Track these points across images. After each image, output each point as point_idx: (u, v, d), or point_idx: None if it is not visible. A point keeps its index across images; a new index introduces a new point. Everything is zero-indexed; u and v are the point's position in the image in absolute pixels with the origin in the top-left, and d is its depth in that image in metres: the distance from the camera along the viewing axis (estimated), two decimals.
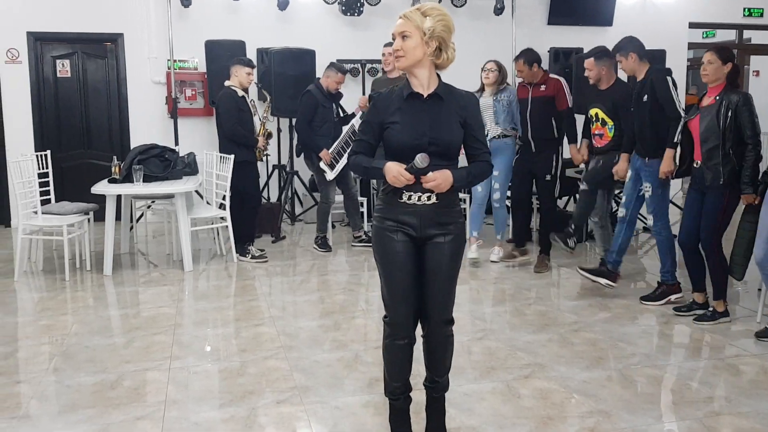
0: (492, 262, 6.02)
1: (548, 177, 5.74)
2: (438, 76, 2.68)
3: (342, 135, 6.45)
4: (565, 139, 5.80)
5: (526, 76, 5.72)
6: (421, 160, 2.48)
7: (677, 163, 4.65)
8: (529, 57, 5.68)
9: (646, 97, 4.70)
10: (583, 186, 5.48)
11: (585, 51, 8.36)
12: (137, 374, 3.61)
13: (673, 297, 4.84)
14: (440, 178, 2.54)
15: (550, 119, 5.69)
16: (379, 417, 3.04)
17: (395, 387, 2.83)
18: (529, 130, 5.74)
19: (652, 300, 4.86)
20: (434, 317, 2.73)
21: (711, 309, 4.48)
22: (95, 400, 3.29)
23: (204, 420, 3.08)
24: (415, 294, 2.72)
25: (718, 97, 4.23)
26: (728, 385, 3.44)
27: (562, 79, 5.79)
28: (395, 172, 2.53)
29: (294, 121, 7.51)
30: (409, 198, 2.62)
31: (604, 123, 5.31)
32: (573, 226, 5.57)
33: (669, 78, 4.68)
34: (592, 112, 5.38)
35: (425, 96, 2.63)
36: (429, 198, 2.61)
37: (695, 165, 4.40)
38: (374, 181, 7.73)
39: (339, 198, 6.78)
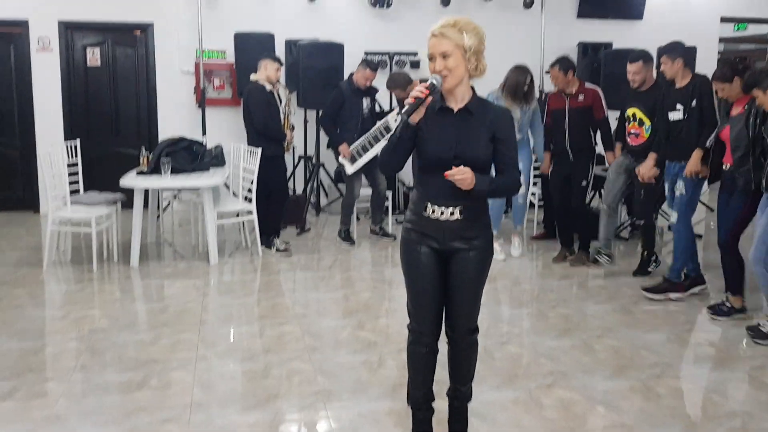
0: (511, 256, 6.04)
1: (584, 183, 5.81)
2: (472, 88, 2.67)
3: (371, 130, 6.43)
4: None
5: (561, 83, 5.72)
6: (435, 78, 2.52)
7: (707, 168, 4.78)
8: (564, 64, 5.69)
9: (695, 102, 4.80)
10: (604, 208, 5.72)
11: (614, 46, 8.31)
12: (164, 373, 3.67)
13: (673, 295, 4.99)
14: (462, 174, 2.49)
15: (588, 129, 5.77)
16: (401, 426, 3.07)
17: (418, 396, 2.86)
18: (567, 140, 5.77)
19: (653, 292, 5.03)
20: (459, 326, 2.76)
21: (728, 304, 4.60)
22: (122, 400, 3.36)
23: (229, 424, 3.13)
24: (438, 303, 2.74)
25: (746, 106, 4.30)
26: (751, 400, 3.42)
27: (598, 89, 5.88)
28: (416, 89, 2.53)
29: (319, 113, 7.58)
30: (433, 212, 2.63)
31: (641, 123, 5.40)
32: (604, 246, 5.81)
33: (713, 89, 4.76)
34: (630, 112, 5.48)
35: (455, 110, 2.62)
36: (452, 214, 2.61)
37: (725, 168, 4.52)
38: (400, 174, 7.76)
39: (364, 192, 6.80)
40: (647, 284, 5.16)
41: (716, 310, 4.63)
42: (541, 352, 3.99)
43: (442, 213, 2.62)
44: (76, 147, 6.55)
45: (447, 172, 2.50)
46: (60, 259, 6.02)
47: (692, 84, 4.85)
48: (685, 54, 4.92)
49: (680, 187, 4.91)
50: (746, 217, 4.41)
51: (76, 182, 6.45)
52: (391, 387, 3.49)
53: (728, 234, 4.51)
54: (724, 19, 9.50)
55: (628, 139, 5.55)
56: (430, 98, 2.53)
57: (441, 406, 2.93)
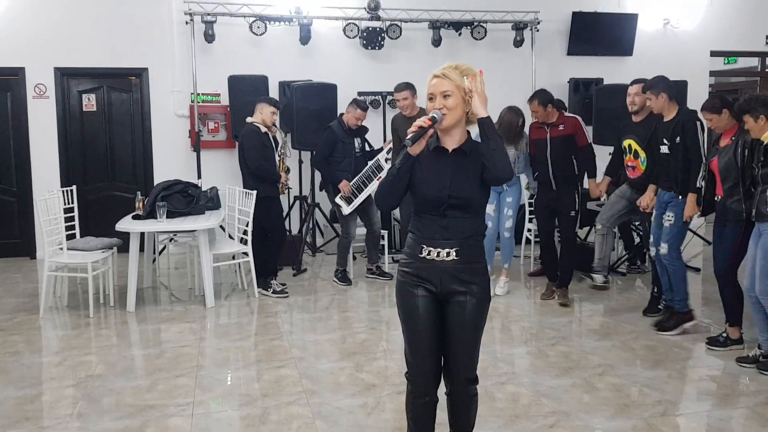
0: (496, 295, 6.00)
1: (573, 213, 5.81)
2: (468, 132, 2.69)
3: (364, 170, 6.48)
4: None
5: (541, 117, 5.79)
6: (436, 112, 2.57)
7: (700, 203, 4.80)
8: (542, 98, 5.76)
9: (678, 138, 4.85)
10: (599, 227, 5.70)
11: (605, 82, 8.42)
12: (161, 420, 3.62)
13: (687, 325, 4.99)
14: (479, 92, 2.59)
15: (571, 157, 5.78)
16: None
17: None
18: (549, 170, 5.78)
19: (667, 330, 4.99)
20: (458, 376, 2.73)
21: (725, 335, 4.63)
22: None
23: None
24: (437, 351, 2.71)
25: (734, 137, 4.39)
26: None
27: (578, 117, 5.94)
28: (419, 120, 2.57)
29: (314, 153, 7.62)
30: (429, 254, 2.62)
31: (636, 155, 5.44)
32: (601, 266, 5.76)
33: (698, 122, 4.84)
34: (626, 143, 5.53)
35: (450, 150, 2.64)
36: (448, 254, 2.61)
37: (716, 199, 4.56)
38: (396, 212, 7.76)
39: (360, 231, 6.80)
40: (658, 324, 5.08)
41: (713, 341, 4.67)
42: (542, 392, 3.95)
43: (438, 254, 2.61)
44: (72, 192, 6.56)
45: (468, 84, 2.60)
46: (57, 305, 5.98)
47: (676, 119, 4.90)
48: (668, 88, 4.96)
49: (669, 217, 4.94)
50: (741, 247, 4.41)
51: (73, 227, 6.44)
52: (389, 431, 3.45)
53: (725, 265, 4.52)
54: (713, 53, 9.63)
55: (627, 172, 5.59)
56: (432, 129, 2.57)
57: None
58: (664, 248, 5.00)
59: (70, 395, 4.00)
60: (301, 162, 7.95)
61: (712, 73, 9.94)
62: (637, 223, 6.07)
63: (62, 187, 7.00)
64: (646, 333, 5.02)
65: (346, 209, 6.44)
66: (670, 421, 3.58)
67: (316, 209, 7.86)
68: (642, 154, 5.38)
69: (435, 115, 2.58)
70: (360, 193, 6.43)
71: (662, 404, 3.80)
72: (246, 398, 3.93)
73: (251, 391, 4.03)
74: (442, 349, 2.71)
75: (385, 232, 7.02)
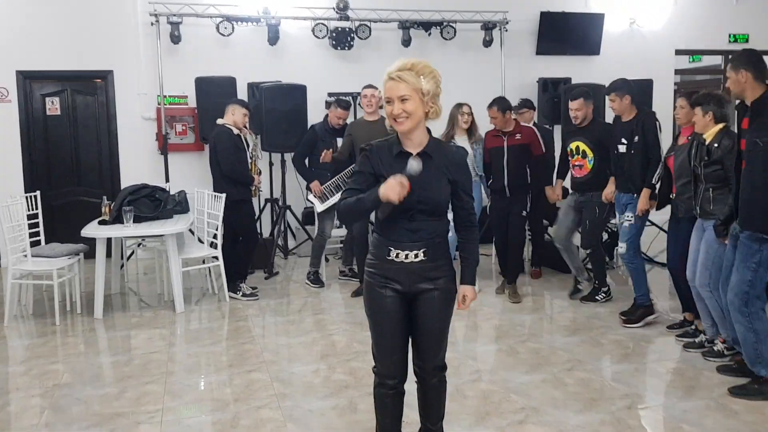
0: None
1: (524, 213, 5.96)
2: (428, 130, 2.69)
3: (345, 171, 6.43)
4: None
5: (499, 123, 5.88)
6: (416, 163, 2.49)
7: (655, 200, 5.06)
8: (502, 105, 5.88)
9: (636, 138, 5.01)
10: (559, 247, 5.89)
11: (573, 81, 8.50)
12: (129, 428, 3.57)
13: (650, 318, 5.16)
14: (472, 297, 2.75)
15: (525, 166, 5.90)
16: None
17: None
18: (505, 178, 5.89)
19: (633, 323, 5.12)
20: (427, 365, 2.76)
21: (693, 326, 4.80)
22: None
23: None
24: (404, 346, 2.74)
25: (690, 137, 4.48)
26: (721, 427, 3.43)
27: (534, 128, 6.16)
28: (391, 183, 2.44)
29: (284, 155, 7.60)
30: (397, 256, 2.63)
31: (584, 155, 5.59)
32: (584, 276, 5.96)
33: (657, 122, 5.03)
34: (573, 145, 5.67)
35: (414, 154, 2.63)
36: (417, 256, 2.61)
37: (672, 197, 4.75)
38: (373, 216, 7.73)
39: (335, 233, 6.79)
40: (625, 317, 5.20)
41: (682, 334, 4.80)
42: (512, 389, 3.98)
43: (406, 256, 2.62)
44: (36, 198, 6.45)
45: (459, 304, 2.75)
46: (22, 313, 5.87)
47: (636, 119, 5.07)
48: (631, 90, 5.14)
49: (629, 217, 5.11)
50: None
51: (38, 234, 6.33)
52: (362, 431, 3.44)
53: (679, 259, 4.64)
54: (678, 52, 9.78)
55: (573, 172, 5.72)
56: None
57: None
58: (622, 248, 5.18)
59: (36, 405, 3.93)
60: (271, 164, 7.91)
61: (678, 72, 10.09)
62: (613, 221, 6.17)
63: (26, 192, 6.88)
64: (614, 328, 5.08)
65: (320, 207, 6.42)
66: (636, 414, 3.63)
67: (288, 212, 7.82)
68: (590, 154, 5.53)
69: (413, 170, 2.49)
70: (338, 193, 6.38)
71: (629, 397, 3.85)
72: (217, 403, 3.89)
73: (222, 396, 4.00)
74: (411, 341, 2.73)
75: None
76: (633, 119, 5.09)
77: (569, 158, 5.73)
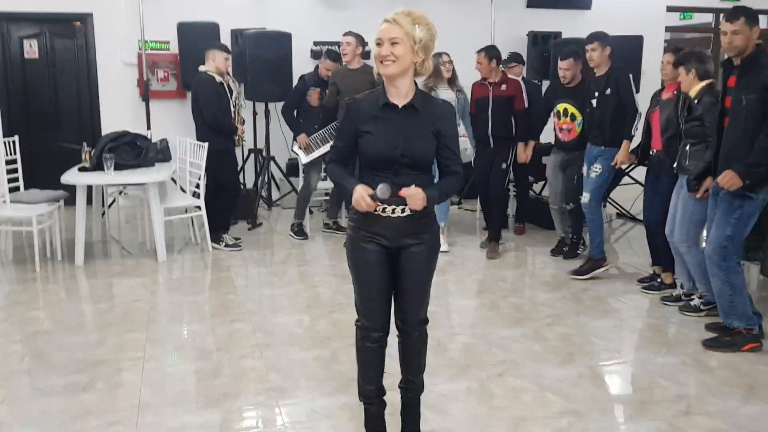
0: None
1: (504, 165, 5.94)
2: (415, 83, 2.65)
3: (333, 124, 6.36)
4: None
5: (484, 70, 5.83)
6: (381, 191, 2.45)
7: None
8: (490, 52, 5.84)
9: (608, 90, 5.07)
10: (555, 208, 5.92)
11: (563, 35, 8.40)
12: (111, 376, 3.57)
13: (599, 270, 5.27)
14: (415, 195, 2.50)
15: (510, 117, 5.87)
16: (355, 421, 3.06)
17: (369, 390, 2.85)
18: (489, 128, 5.86)
19: (581, 274, 5.26)
20: (409, 319, 2.76)
21: (659, 280, 4.93)
22: (68, 404, 3.26)
23: (179, 425, 3.07)
24: (387, 300, 2.73)
25: (676, 92, 4.51)
26: (697, 383, 3.50)
27: (520, 81, 6.09)
28: (358, 195, 2.50)
29: (268, 105, 7.50)
30: (383, 210, 2.60)
31: (573, 118, 5.57)
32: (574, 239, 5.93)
33: (630, 76, 5.11)
34: (560, 107, 5.64)
35: (400, 107, 2.59)
36: (403, 211, 2.60)
37: (651, 153, 4.78)
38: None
39: (320, 185, 6.75)
40: (573, 269, 5.36)
41: (648, 286, 4.95)
42: (493, 342, 4.02)
43: (393, 211, 2.60)
44: (14, 143, 6.33)
45: (402, 192, 2.49)
46: (1, 260, 5.82)
47: (609, 73, 5.12)
48: (611, 44, 5.17)
49: (596, 169, 5.18)
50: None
51: (16, 180, 6.24)
52: (344, 382, 3.47)
53: (657, 214, 4.69)
54: (670, 8, 9.70)
55: (560, 135, 5.70)
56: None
57: (394, 398, 2.92)
58: (585, 197, 5.25)
59: (17, 351, 3.92)
60: (255, 114, 7.79)
61: (668, 29, 10.01)
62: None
63: (4, 137, 6.74)
64: (594, 284, 5.14)
65: (304, 159, 6.37)
66: (613, 369, 3.70)
67: (272, 162, 7.75)
68: (579, 117, 5.51)
69: (381, 195, 2.46)
70: (323, 145, 6.31)
71: (608, 352, 3.91)
72: (199, 352, 3.90)
73: (204, 345, 4.01)
74: (394, 295, 2.73)
75: None
76: (606, 73, 5.14)
77: (556, 119, 5.69)
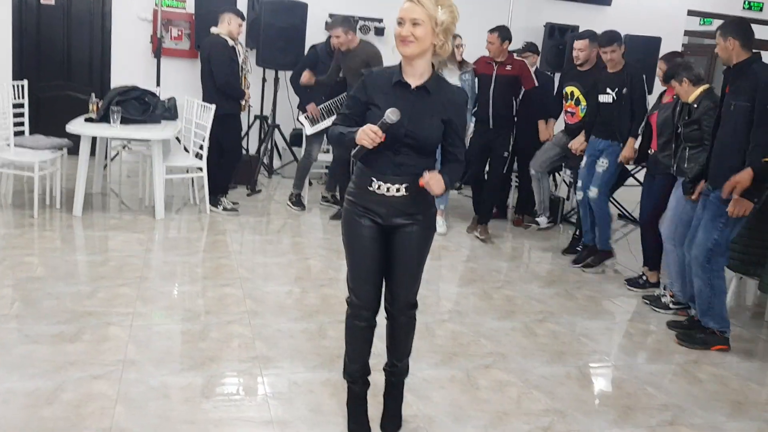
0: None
1: (506, 154, 5.93)
2: (432, 66, 2.60)
3: (340, 96, 6.30)
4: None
5: (495, 51, 5.77)
6: (391, 114, 2.41)
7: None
8: (503, 33, 5.79)
9: (625, 90, 5.15)
10: (533, 173, 6.08)
11: (581, 29, 8.30)
12: (98, 328, 3.57)
13: (607, 262, 5.46)
14: (434, 177, 2.48)
15: (512, 98, 5.85)
16: (336, 398, 3.05)
17: (354, 369, 2.84)
18: (490, 108, 5.81)
19: (591, 266, 5.38)
20: (399, 301, 2.74)
21: (645, 278, 5.06)
22: (53, 353, 3.26)
23: (161, 385, 3.06)
24: (379, 278, 2.71)
25: (675, 97, 4.61)
26: (684, 393, 3.48)
27: (525, 61, 6.10)
28: (366, 129, 2.43)
29: (278, 73, 7.44)
30: (378, 188, 2.57)
31: (578, 102, 5.67)
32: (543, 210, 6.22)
33: (644, 77, 5.27)
34: (568, 90, 5.77)
35: (413, 87, 2.56)
36: (398, 190, 2.57)
37: (650, 152, 4.94)
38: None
39: (321, 157, 6.71)
40: (582, 262, 5.44)
41: (633, 283, 5.07)
42: (482, 333, 4.01)
43: (387, 189, 2.57)
44: (23, 87, 6.28)
45: (422, 180, 2.48)
46: (0, 202, 5.80)
47: (625, 72, 5.18)
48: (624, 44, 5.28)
49: (603, 164, 5.25)
50: (666, 199, 4.65)
51: (22, 124, 6.20)
52: (329, 358, 3.46)
53: (650, 214, 4.85)
54: (690, 13, 9.60)
55: (565, 117, 5.81)
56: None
57: (377, 379, 2.91)
58: (593, 192, 5.29)
59: (7, 295, 3.92)
60: (264, 81, 7.73)
61: (687, 33, 9.91)
62: (569, 172, 6.27)
63: (13, 80, 6.69)
64: (589, 283, 5.12)
65: (309, 129, 6.33)
66: (601, 371, 3.69)
67: (276, 131, 7.70)
68: (583, 102, 5.61)
69: (389, 119, 2.41)
70: (329, 117, 6.26)
71: (597, 354, 3.90)
72: (188, 313, 3.90)
73: (194, 307, 4.00)
74: (385, 275, 2.70)
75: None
76: (621, 71, 5.19)
77: (564, 102, 5.79)
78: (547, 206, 6.34)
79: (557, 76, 7.64)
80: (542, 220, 6.40)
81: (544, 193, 6.21)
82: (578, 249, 5.67)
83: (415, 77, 2.56)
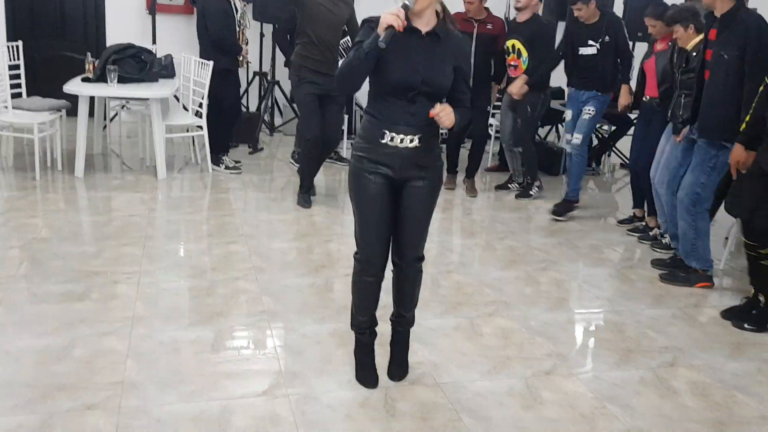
0: None
1: (488, 109, 6.02)
2: (437, 13, 2.58)
3: None
4: None
5: (474, 9, 5.70)
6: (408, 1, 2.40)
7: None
8: None
9: (607, 38, 5.19)
10: (516, 148, 5.99)
11: None
12: (105, 287, 3.61)
13: (575, 211, 5.50)
14: (445, 109, 2.47)
15: (491, 57, 5.82)
16: (344, 348, 3.10)
17: (361, 321, 2.88)
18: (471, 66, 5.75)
19: (558, 214, 5.44)
20: (406, 255, 2.76)
21: (644, 223, 5.17)
22: (62, 311, 3.30)
23: (170, 339, 3.11)
24: (387, 233, 2.72)
25: (670, 43, 4.63)
26: (684, 336, 3.54)
27: (504, 20, 6.09)
28: (386, 13, 2.37)
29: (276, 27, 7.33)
30: (392, 140, 2.57)
31: (519, 54, 5.62)
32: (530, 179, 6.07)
33: (623, 22, 5.35)
34: (509, 43, 5.69)
35: (423, 33, 2.54)
36: (411, 141, 2.56)
37: (645, 100, 4.94)
38: (357, 96, 7.60)
39: None
40: (553, 209, 5.52)
41: (634, 229, 5.19)
42: (486, 282, 4.05)
43: (401, 140, 2.56)
44: (18, 48, 6.22)
45: (432, 111, 2.46)
46: (2, 165, 5.80)
47: (604, 22, 5.20)
48: None
49: (590, 111, 5.30)
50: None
51: (18, 86, 6.16)
52: (335, 310, 3.51)
53: (645, 159, 4.83)
54: None
55: (508, 71, 5.77)
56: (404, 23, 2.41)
57: (383, 329, 2.96)
58: (577, 138, 5.36)
59: (15, 256, 3.95)
60: (262, 35, 7.65)
61: None
62: (598, 126, 6.21)
63: (8, 41, 6.63)
64: (591, 232, 5.15)
65: None
66: (603, 317, 3.73)
67: (276, 87, 7.65)
68: (524, 54, 5.57)
69: (407, 3, 2.40)
70: None
71: (599, 300, 3.95)
72: (194, 270, 3.93)
73: (200, 264, 4.04)
74: (394, 229, 2.71)
75: (345, 117, 6.89)
76: (599, 21, 5.21)
77: (506, 56, 5.72)
78: (520, 171, 6.11)
79: (560, 26, 7.59)
80: (514, 186, 6.18)
81: (517, 162, 6.09)
82: (531, 193, 5.93)
83: (423, 24, 2.53)
